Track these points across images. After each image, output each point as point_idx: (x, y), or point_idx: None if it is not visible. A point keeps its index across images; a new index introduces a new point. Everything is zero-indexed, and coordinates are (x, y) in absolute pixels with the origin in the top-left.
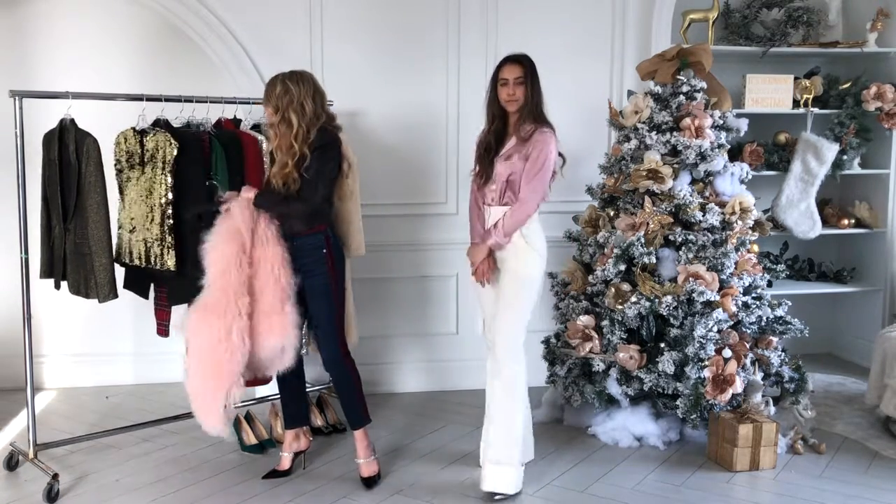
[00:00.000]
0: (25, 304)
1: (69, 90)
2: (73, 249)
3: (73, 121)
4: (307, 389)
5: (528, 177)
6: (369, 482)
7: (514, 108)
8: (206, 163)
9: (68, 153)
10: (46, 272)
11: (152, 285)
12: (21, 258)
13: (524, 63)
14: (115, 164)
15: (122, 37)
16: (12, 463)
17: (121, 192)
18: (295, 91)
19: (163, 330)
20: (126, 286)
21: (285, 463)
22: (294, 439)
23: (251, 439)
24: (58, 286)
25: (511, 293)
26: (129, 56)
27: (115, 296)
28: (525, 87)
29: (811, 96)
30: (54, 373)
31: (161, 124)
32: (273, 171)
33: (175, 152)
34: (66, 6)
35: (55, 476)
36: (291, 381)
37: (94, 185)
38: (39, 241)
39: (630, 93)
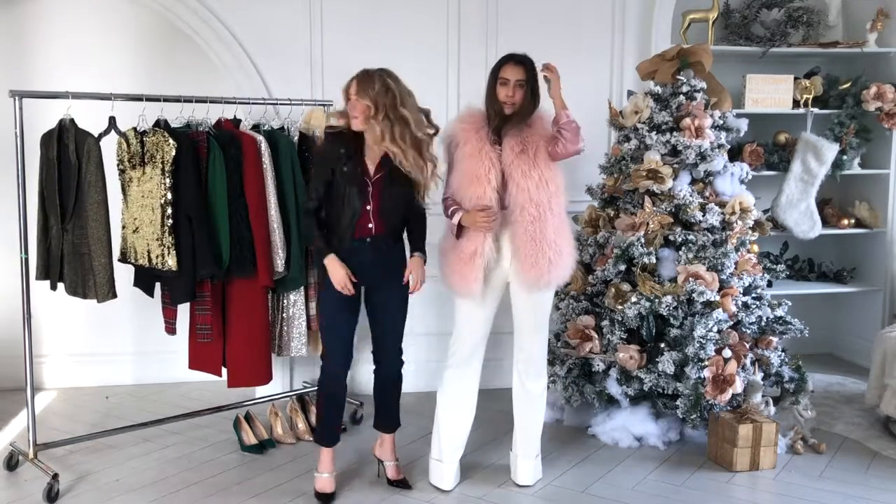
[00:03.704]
0: (25, 304)
1: (69, 90)
2: (70, 249)
3: (72, 121)
4: (307, 390)
5: None
6: (400, 484)
7: (510, 112)
8: (203, 163)
9: (68, 153)
10: (43, 273)
11: (158, 284)
12: (21, 258)
13: (527, 65)
14: (118, 165)
15: (122, 36)
16: (12, 463)
17: (123, 192)
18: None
19: (170, 328)
20: (135, 284)
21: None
22: (379, 444)
23: (251, 439)
24: (54, 287)
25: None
26: (129, 56)
27: (115, 295)
28: (525, 91)
29: (811, 96)
30: (54, 373)
31: (161, 124)
32: (408, 162)
33: (173, 152)
34: (66, 6)
35: (55, 476)
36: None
37: (95, 184)
38: (36, 241)
39: (630, 93)
